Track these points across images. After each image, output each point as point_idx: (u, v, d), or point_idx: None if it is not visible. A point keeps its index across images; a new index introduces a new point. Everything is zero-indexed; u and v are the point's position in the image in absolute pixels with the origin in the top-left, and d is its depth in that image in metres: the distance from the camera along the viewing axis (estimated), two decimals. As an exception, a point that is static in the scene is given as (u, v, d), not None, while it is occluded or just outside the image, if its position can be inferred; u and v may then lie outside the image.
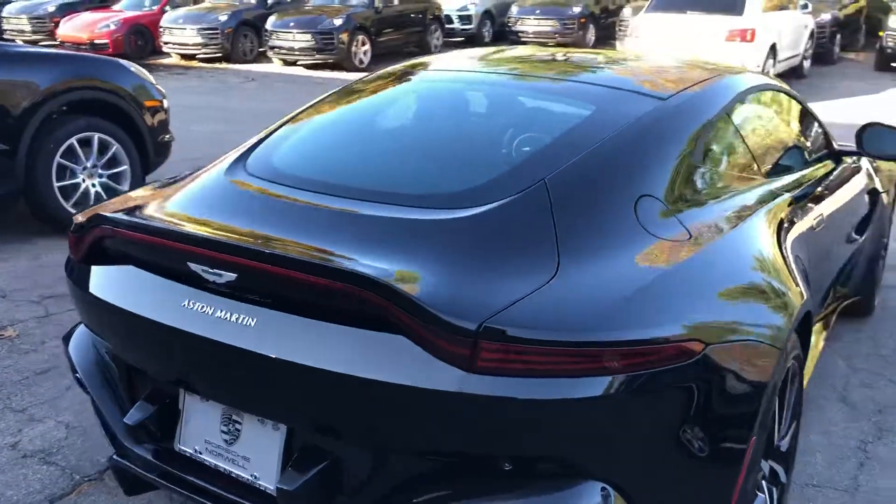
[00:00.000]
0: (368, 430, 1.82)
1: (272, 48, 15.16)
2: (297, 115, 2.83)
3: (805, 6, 13.84)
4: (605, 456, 1.79)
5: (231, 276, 1.87)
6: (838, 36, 15.90)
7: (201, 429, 2.10)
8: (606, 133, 2.28)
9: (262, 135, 2.68)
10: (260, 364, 1.85)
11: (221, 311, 1.91)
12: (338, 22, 14.63)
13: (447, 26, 17.41)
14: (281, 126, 2.73)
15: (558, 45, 16.23)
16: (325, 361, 1.77)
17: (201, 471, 2.09)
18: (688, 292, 1.93)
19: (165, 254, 2.03)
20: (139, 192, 2.54)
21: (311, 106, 2.90)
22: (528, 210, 2.02)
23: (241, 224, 2.07)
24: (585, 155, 2.18)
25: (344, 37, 14.60)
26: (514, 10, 17.15)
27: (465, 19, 17.73)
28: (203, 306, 1.94)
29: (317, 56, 14.81)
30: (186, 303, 1.97)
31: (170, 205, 2.30)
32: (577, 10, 16.67)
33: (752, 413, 1.98)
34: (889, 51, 14.59)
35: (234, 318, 1.89)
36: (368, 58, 15.15)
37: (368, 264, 1.77)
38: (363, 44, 15.10)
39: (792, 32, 12.91)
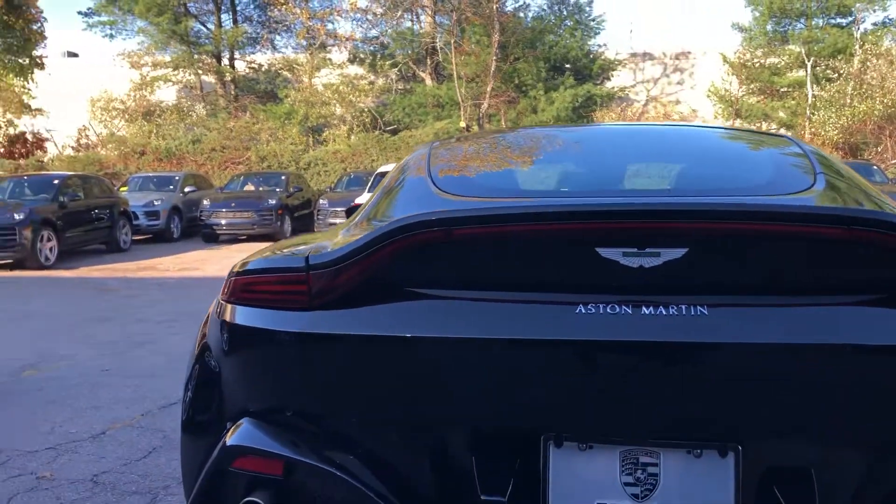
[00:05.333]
0: (873, 425, 1.56)
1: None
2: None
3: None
4: None
5: (676, 253, 1.54)
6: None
7: (587, 490, 1.61)
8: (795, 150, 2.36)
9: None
10: (715, 363, 1.52)
11: (648, 308, 1.55)
12: (19, 216, 12.93)
13: (134, 222, 16.37)
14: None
15: (257, 235, 16.22)
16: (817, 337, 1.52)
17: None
18: None
19: (551, 242, 1.60)
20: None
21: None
22: (840, 190, 1.99)
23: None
24: (809, 157, 2.22)
25: (27, 232, 12.89)
26: (205, 203, 16.80)
27: (152, 215, 16.90)
28: (611, 307, 1.56)
29: (-7, 255, 12.81)
30: (580, 309, 1.56)
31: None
32: (272, 202, 16.86)
33: None
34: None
35: (672, 312, 1.54)
36: (55, 255, 13.50)
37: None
38: (48, 239, 13.47)
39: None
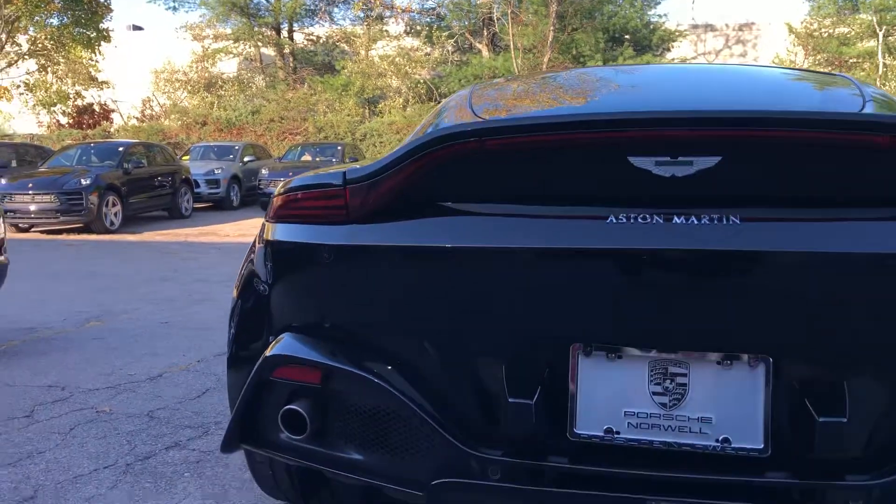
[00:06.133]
0: None
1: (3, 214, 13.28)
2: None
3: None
4: None
5: (709, 161, 1.54)
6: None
7: (615, 399, 1.62)
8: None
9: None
10: (747, 272, 1.51)
11: (679, 218, 1.55)
12: (86, 182, 13.36)
13: (195, 190, 16.74)
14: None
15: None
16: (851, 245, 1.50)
17: (621, 457, 1.60)
18: None
19: (583, 153, 1.62)
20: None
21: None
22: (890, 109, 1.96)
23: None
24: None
25: (94, 197, 13.32)
26: (264, 172, 17.07)
27: (213, 183, 17.23)
28: (643, 217, 1.57)
29: (62, 218, 13.27)
30: (611, 219, 1.57)
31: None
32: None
33: None
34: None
35: (704, 222, 1.54)
36: (119, 220, 13.92)
37: None
38: (113, 205, 13.89)
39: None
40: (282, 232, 1.94)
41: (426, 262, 1.75)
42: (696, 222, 1.56)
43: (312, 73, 30.05)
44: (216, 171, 17.38)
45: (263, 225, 2.08)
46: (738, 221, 1.55)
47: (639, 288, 1.60)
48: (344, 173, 1.83)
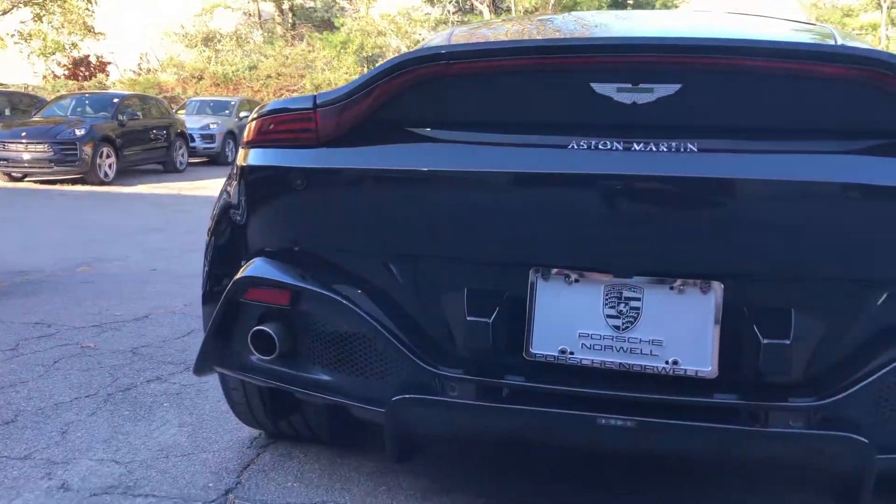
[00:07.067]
0: (858, 259, 1.58)
1: (-6, 162, 13.26)
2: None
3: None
4: None
5: (669, 89, 1.57)
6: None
7: (570, 321, 1.68)
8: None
9: None
10: (700, 199, 1.55)
11: (639, 144, 1.59)
12: (80, 132, 13.31)
13: (190, 145, 16.69)
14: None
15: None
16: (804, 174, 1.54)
17: (574, 377, 1.65)
18: None
19: (547, 78, 1.65)
20: None
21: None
22: None
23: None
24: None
25: (88, 148, 13.28)
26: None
27: (208, 138, 17.19)
28: (603, 143, 1.60)
29: (55, 168, 13.25)
30: (572, 145, 1.61)
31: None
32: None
33: None
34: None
35: (662, 149, 1.58)
36: (114, 171, 13.90)
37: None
38: (108, 156, 13.86)
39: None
40: (254, 156, 1.97)
41: (392, 186, 1.79)
42: (654, 149, 1.59)
43: (311, 29, 29.81)
44: (212, 126, 17.33)
45: (238, 151, 2.11)
46: (695, 150, 1.59)
47: (597, 213, 1.64)
48: (315, 97, 1.86)
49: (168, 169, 15.63)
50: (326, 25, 29.98)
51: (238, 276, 1.95)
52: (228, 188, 2.15)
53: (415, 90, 1.73)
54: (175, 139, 15.82)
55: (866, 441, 1.52)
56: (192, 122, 17.07)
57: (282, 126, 1.92)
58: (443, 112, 1.76)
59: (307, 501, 2.21)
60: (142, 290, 5.16)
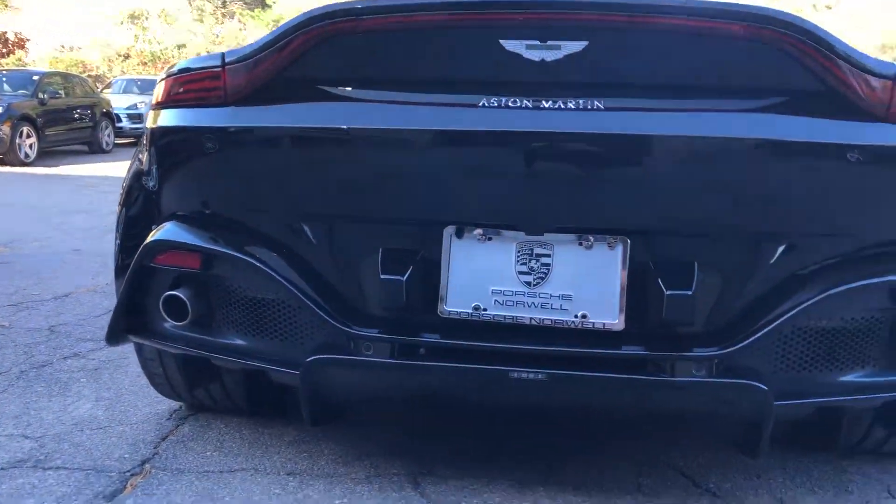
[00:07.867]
0: (757, 211, 1.63)
1: None
2: None
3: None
4: None
5: (576, 46, 1.59)
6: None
7: (483, 278, 1.69)
8: None
9: None
10: (606, 155, 1.58)
11: (548, 102, 1.60)
12: (-3, 110, 12.78)
13: (117, 125, 16.20)
14: None
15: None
16: (707, 129, 1.58)
17: (487, 333, 1.67)
18: None
19: (456, 35, 1.65)
20: None
21: None
22: None
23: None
24: None
25: (6, 127, 12.76)
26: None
27: (136, 118, 16.72)
28: (512, 101, 1.61)
29: (-30, 149, 12.70)
30: (483, 102, 1.61)
31: None
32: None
33: None
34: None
35: (570, 106, 1.60)
36: (35, 152, 13.41)
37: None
38: (28, 136, 13.35)
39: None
40: (163, 118, 1.93)
41: (302, 145, 1.77)
42: (562, 107, 1.61)
43: (243, 7, 29.18)
44: (139, 106, 16.86)
45: (148, 114, 2.06)
46: (601, 107, 1.61)
47: (508, 171, 1.65)
48: (223, 54, 1.82)
49: (93, 150, 15.16)
50: (258, 2, 29.42)
51: (148, 240, 1.91)
52: (140, 156, 2.10)
53: (324, 46, 1.71)
54: (101, 119, 15.35)
55: (765, 388, 1.57)
56: (119, 102, 16.60)
57: (190, 86, 1.88)
58: (354, 69, 1.74)
59: (226, 469, 2.19)
60: (62, 271, 5.00)
